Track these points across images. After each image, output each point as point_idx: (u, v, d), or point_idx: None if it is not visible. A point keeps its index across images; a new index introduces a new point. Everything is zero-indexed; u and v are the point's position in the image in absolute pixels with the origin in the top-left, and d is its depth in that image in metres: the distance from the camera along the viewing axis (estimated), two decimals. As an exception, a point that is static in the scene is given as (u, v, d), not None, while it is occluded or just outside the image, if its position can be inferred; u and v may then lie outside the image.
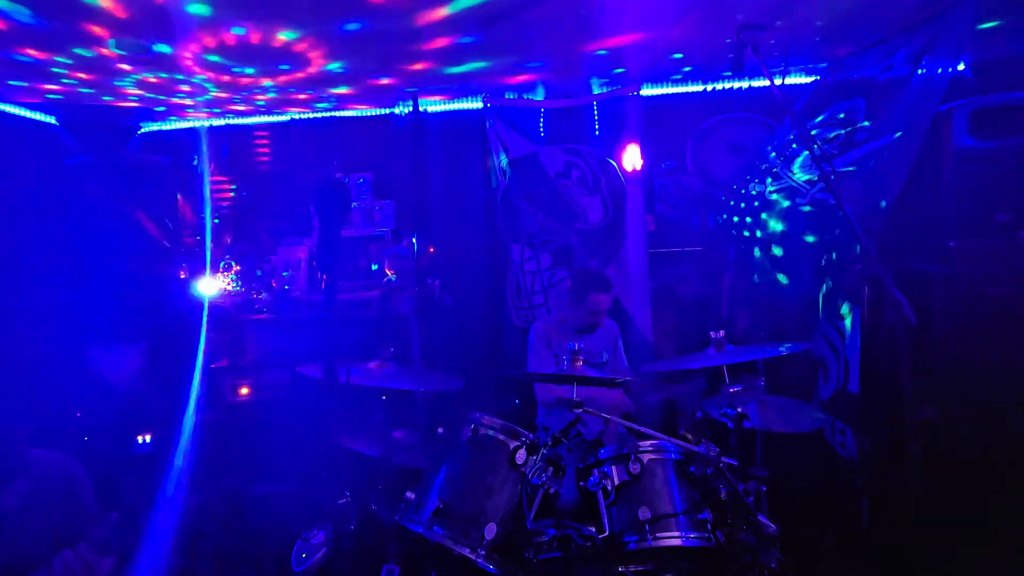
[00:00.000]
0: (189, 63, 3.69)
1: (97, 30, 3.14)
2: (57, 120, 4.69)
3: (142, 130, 5.16)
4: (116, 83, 4.02)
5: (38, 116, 4.56)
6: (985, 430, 2.97)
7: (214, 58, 3.64)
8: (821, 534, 3.10)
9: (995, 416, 2.96)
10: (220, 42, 3.38)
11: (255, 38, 3.35)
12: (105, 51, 3.40)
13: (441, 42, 3.57)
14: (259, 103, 4.78)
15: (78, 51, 3.43)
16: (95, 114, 4.64)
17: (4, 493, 2.33)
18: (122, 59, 3.55)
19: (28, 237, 4.23)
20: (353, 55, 3.75)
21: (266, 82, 4.19)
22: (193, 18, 3.04)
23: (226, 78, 4.03)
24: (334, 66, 3.91)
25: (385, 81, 4.32)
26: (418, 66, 4.00)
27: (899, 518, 2.92)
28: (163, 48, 3.43)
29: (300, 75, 4.04)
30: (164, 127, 5.17)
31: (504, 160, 4.75)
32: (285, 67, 3.88)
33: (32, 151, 4.45)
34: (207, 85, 4.17)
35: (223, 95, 4.46)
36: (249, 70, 3.92)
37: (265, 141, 5.27)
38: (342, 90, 4.50)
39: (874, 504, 3.09)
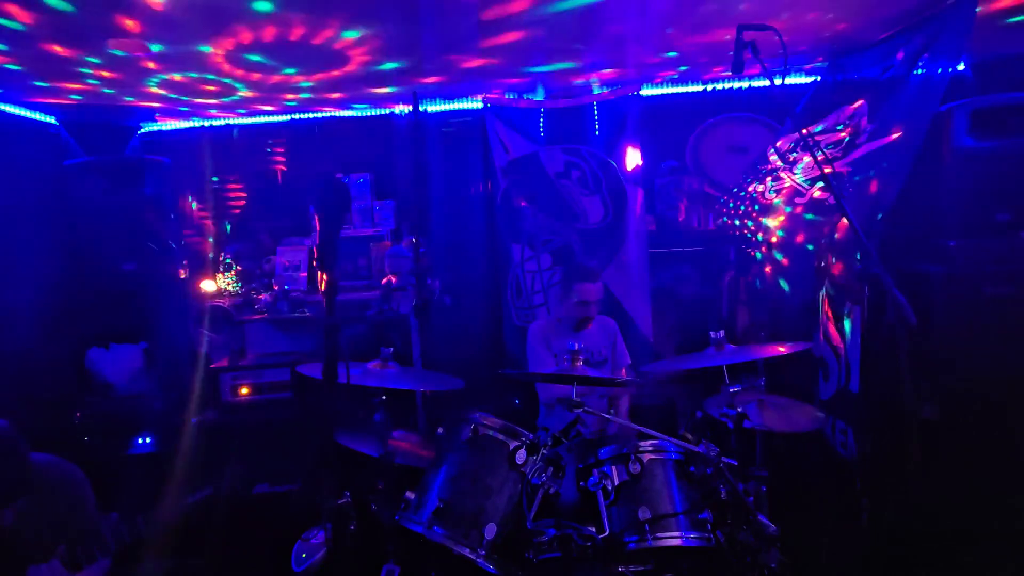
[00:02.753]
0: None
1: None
2: (57, 120, 4.69)
3: (142, 130, 5.15)
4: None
5: (38, 116, 4.56)
6: (985, 430, 2.97)
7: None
8: (821, 534, 3.10)
9: (995, 416, 2.96)
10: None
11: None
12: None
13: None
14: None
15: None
16: (95, 114, 4.63)
17: (4, 513, 2.33)
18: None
19: (28, 237, 4.23)
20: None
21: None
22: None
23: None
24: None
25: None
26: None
27: (899, 518, 2.92)
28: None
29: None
30: (164, 127, 5.17)
31: (504, 160, 4.75)
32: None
33: (32, 151, 4.44)
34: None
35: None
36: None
37: (265, 141, 5.27)
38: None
39: (874, 504, 3.09)
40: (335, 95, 4.59)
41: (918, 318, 2.15)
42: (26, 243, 4.20)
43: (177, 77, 3.91)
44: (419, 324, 4.45)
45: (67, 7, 2.80)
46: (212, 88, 4.19)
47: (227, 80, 4.02)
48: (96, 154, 4.72)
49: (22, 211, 4.23)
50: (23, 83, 3.87)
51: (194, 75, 3.89)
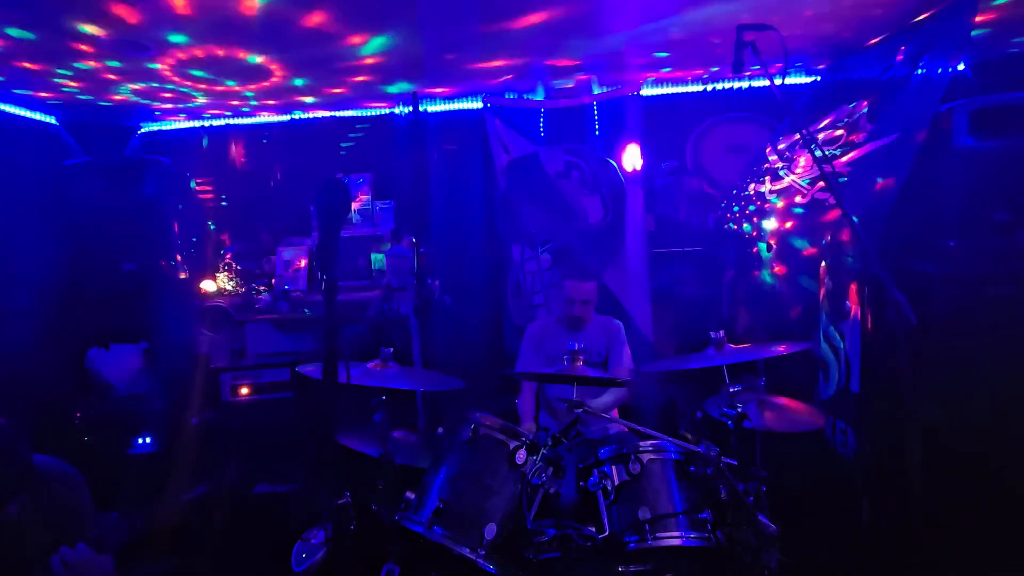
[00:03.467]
0: (169, 74, 3.86)
1: (86, 48, 3.33)
2: (57, 120, 4.69)
3: (142, 130, 5.15)
4: (110, 91, 4.15)
5: (38, 116, 4.56)
6: (985, 430, 2.97)
7: (197, 72, 3.81)
8: (821, 534, 3.10)
9: (995, 416, 2.95)
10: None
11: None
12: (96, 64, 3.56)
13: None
14: (243, 109, 4.88)
15: (78, 65, 3.58)
16: (95, 114, 4.64)
17: (8, 507, 2.33)
18: (111, 70, 3.70)
19: (28, 237, 4.23)
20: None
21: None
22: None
23: (203, 87, 4.19)
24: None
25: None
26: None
27: (899, 518, 2.92)
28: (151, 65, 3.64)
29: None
30: (164, 127, 5.17)
31: (504, 160, 4.75)
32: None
33: (32, 151, 4.44)
34: (195, 93, 4.31)
35: (207, 101, 4.58)
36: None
37: (266, 141, 5.27)
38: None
39: (874, 504, 3.09)
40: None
41: (918, 318, 2.15)
42: (26, 243, 4.20)
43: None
44: (419, 324, 4.44)
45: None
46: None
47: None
48: (96, 154, 4.72)
49: (22, 211, 4.23)
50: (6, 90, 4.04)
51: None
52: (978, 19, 2.99)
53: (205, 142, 5.19)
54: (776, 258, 4.07)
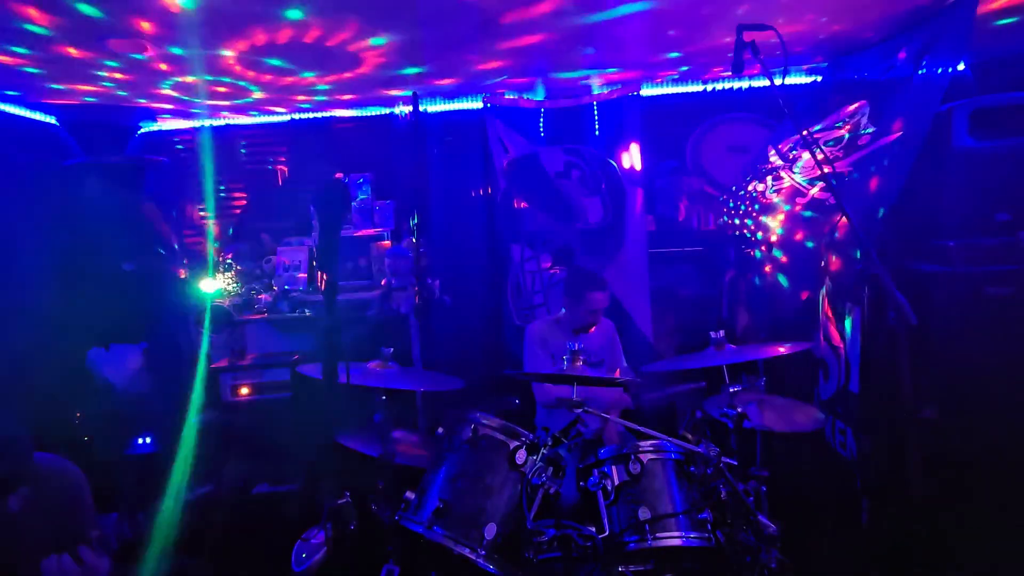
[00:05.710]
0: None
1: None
2: (57, 120, 4.69)
3: (142, 130, 5.15)
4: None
5: (38, 116, 4.56)
6: (985, 430, 2.97)
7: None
8: (821, 534, 3.10)
9: (995, 416, 2.96)
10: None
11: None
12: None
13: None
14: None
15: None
16: (95, 114, 4.63)
17: (8, 500, 2.33)
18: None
19: (28, 237, 4.23)
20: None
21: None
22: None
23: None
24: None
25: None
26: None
27: (899, 518, 2.92)
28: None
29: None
30: (164, 127, 5.17)
31: (504, 160, 4.75)
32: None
33: (32, 151, 4.44)
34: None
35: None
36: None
37: (265, 141, 5.27)
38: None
39: (874, 504, 3.09)
40: (347, 96, 4.63)
41: (918, 318, 2.15)
42: (26, 243, 4.20)
43: (189, 79, 3.95)
44: (419, 324, 4.45)
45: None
46: (224, 90, 4.22)
47: (241, 83, 4.06)
48: (96, 154, 4.72)
49: (22, 211, 4.23)
50: (39, 85, 3.91)
51: (208, 78, 3.92)
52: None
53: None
54: (776, 258, 4.07)
